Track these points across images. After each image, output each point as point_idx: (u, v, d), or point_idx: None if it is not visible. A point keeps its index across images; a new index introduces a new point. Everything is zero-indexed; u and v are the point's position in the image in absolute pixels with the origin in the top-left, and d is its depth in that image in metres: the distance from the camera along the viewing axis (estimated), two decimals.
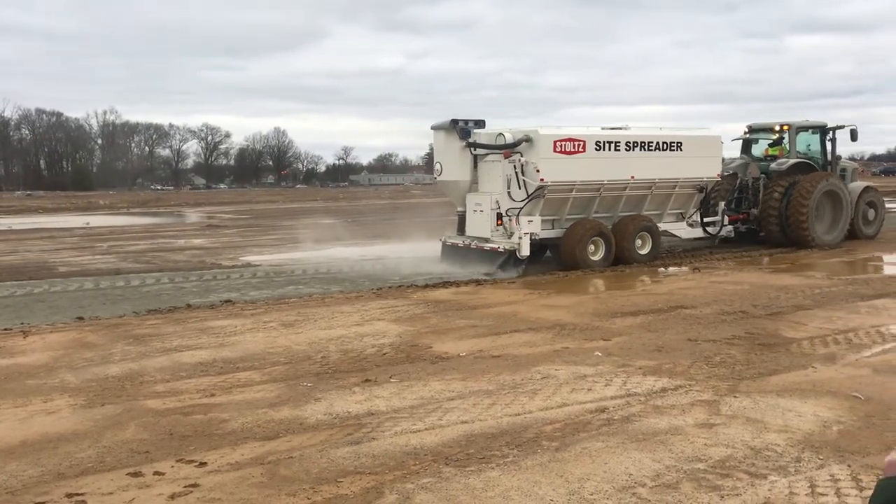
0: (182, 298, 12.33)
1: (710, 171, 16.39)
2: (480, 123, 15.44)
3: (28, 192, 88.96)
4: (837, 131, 18.69)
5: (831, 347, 8.08)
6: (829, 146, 18.77)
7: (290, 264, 16.70)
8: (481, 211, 15.12)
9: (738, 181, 18.12)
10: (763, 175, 17.91)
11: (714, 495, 4.48)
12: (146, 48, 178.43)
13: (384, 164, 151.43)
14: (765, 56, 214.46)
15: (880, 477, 1.52)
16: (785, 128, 18.35)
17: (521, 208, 14.42)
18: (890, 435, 5.45)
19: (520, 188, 14.44)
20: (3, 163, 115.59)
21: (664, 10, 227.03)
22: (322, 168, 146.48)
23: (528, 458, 5.10)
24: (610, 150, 14.99)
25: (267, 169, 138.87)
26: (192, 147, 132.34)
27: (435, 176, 16.27)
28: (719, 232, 17.11)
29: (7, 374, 7.61)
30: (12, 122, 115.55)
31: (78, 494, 4.71)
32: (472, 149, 15.15)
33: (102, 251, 20.62)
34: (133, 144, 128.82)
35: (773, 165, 17.90)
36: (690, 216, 16.63)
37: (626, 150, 15.16)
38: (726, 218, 17.23)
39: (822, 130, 18.79)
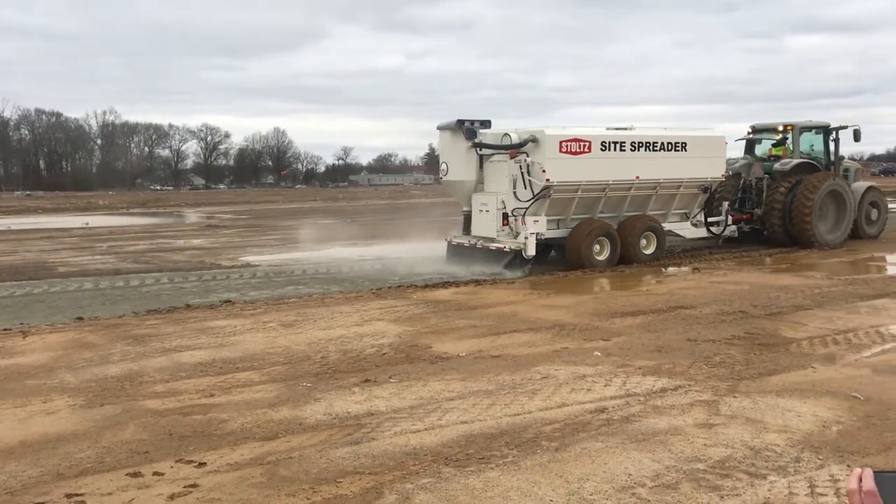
0: (181, 299, 12.33)
1: (715, 171, 16.45)
2: (486, 124, 15.50)
3: (27, 193, 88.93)
4: (840, 131, 18.74)
5: (831, 348, 8.08)
6: (832, 146, 18.82)
7: (290, 264, 16.70)
8: (487, 211, 15.17)
9: (741, 181, 18.16)
10: (766, 175, 17.95)
11: (714, 495, 4.48)
12: (146, 48, 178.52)
13: (384, 165, 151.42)
14: (764, 56, 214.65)
15: None
16: (788, 128, 18.41)
17: (527, 208, 14.47)
18: (889, 435, 5.46)
19: (525, 188, 14.50)
20: (2, 163, 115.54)
21: (664, 10, 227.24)
22: (322, 168, 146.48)
23: (528, 459, 5.10)
24: (615, 150, 15.04)
25: (266, 169, 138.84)
26: (192, 147, 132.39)
27: (441, 176, 16.32)
28: (723, 232, 17.16)
29: (6, 375, 7.61)
30: (12, 122, 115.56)
31: (77, 495, 4.71)
32: (478, 149, 15.21)
33: (102, 251, 20.61)
34: (132, 145, 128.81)
35: (777, 165, 17.94)
36: (695, 216, 16.69)
37: (631, 150, 15.22)
38: (730, 218, 17.29)
39: (825, 131, 18.85)
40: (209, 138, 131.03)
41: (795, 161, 17.88)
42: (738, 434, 5.50)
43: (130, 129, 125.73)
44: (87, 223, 33.54)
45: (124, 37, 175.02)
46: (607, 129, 15.42)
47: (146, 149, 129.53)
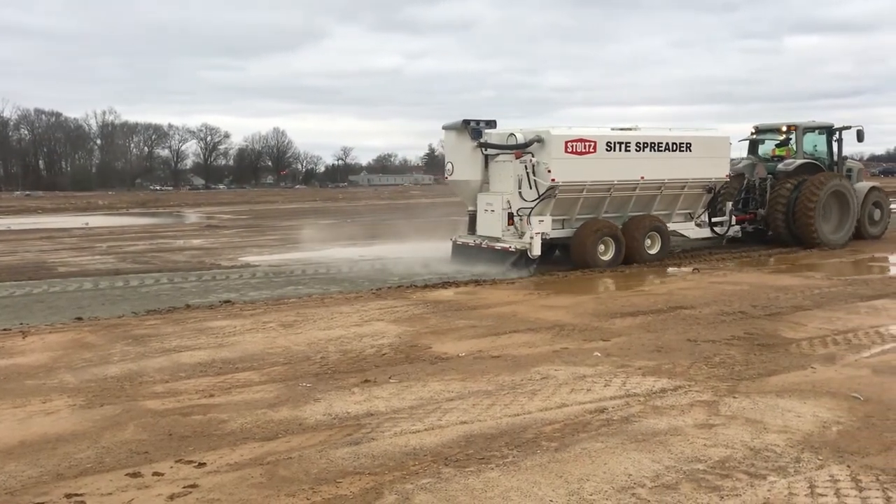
0: (181, 299, 12.33)
1: (719, 171, 16.51)
2: (492, 124, 15.55)
3: (27, 193, 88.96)
4: (844, 132, 18.78)
5: (830, 348, 8.08)
6: (835, 147, 18.89)
7: (290, 264, 16.70)
8: (492, 210, 15.22)
9: (745, 181, 18.22)
10: (770, 175, 18.02)
11: (713, 496, 4.48)
12: (145, 48, 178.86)
13: (383, 165, 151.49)
14: (764, 56, 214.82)
15: None
16: (792, 128, 18.49)
17: (533, 208, 14.52)
18: (889, 435, 5.46)
19: (531, 188, 14.55)
20: (2, 163, 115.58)
21: (662, 10, 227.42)
22: (321, 168, 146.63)
23: (528, 459, 5.10)
24: (620, 150, 15.11)
25: (266, 169, 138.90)
26: (192, 147, 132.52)
27: (446, 176, 16.36)
28: (727, 232, 17.22)
29: (6, 375, 7.60)
30: (11, 122, 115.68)
31: (77, 495, 4.71)
32: (484, 149, 15.26)
33: (101, 251, 20.61)
34: (132, 145, 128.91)
35: (781, 166, 18.01)
36: (699, 216, 16.74)
37: (636, 150, 15.28)
38: (734, 218, 17.35)
39: (828, 131, 18.93)
40: (209, 138, 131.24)
41: (799, 161, 17.94)
42: (738, 434, 5.50)
43: (130, 129, 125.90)
44: (87, 223, 33.54)
45: (124, 37, 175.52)
46: (612, 129, 15.49)
47: (146, 149, 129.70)
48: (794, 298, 11.01)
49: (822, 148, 18.97)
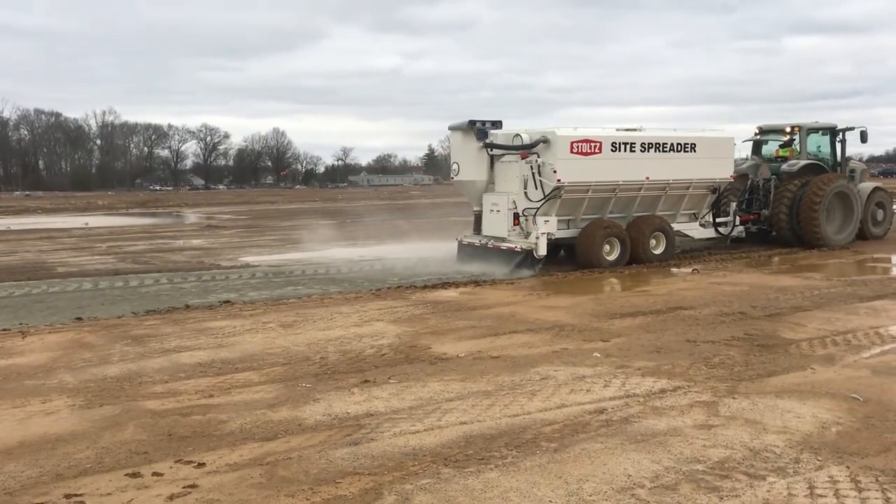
0: (181, 299, 12.33)
1: (723, 172, 16.57)
2: (497, 124, 15.62)
3: (27, 193, 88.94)
4: (847, 133, 18.84)
5: (830, 349, 8.08)
6: (838, 147, 18.97)
7: (289, 265, 16.70)
8: (498, 211, 15.27)
9: (749, 182, 18.28)
10: (774, 176, 18.09)
11: (713, 496, 4.49)
12: (145, 49, 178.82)
13: (383, 165, 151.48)
14: (762, 57, 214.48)
15: None
16: (796, 129, 18.57)
17: (538, 208, 14.58)
18: (889, 436, 5.46)
19: (536, 188, 14.62)
20: (1, 163, 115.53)
21: (661, 11, 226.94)
22: (321, 169, 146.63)
23: (527, 459, 5.10)
24: (626, 151, 15.17)
25: (266, 169, 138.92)
26: (191, 147, 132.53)
27: (452, 176, 16.42)
28: (731, 232, 17.28)
29: (5, 375, 7.60)
30: (11, 123, 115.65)
31: (76, 495, 4.71)
32: (489, 149, 15.32)
33: (101, 252, 20.61)
34: (132, 145, 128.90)
35: (785, 167, 18.08)
36: (703, 216, 16.81)
37: (641, 151, 15.34)
38: (738, 218, 17.41)
39: (832, 132, 19.01)
40: (208, 139, 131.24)
41: (803, 162, 18.03)
42: (738, 435, 5.51)
43: (130, 130, 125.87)
44: (87, 223, 33.54)
45: (124, 37, 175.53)
46: (617, 130, 15.55)
47: (145, 149, 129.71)
48: (794, 299, 11.02)
49: (826, 149, 19.06)
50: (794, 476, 4.77)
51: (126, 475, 5.00)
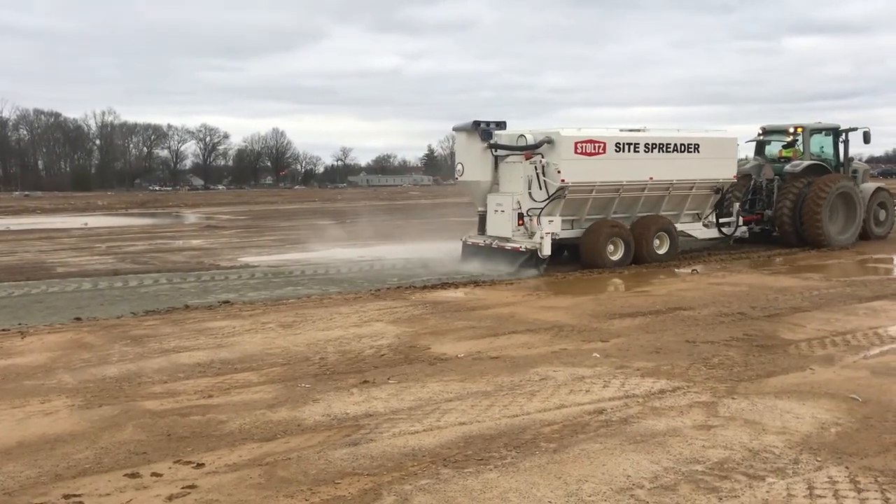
0: (180, 299, 12.32)
1: (727, 172, 16.62)
2: (502, 125, 15.69)
3: (26, 193, 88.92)
4: (850, 133, 18.89)
5: (829, 349, 8.09)
6: (841, 148, 19.03)
7: (289, 265, 16.70)
8: (502, 211, 15.32)
9: (752, 182, 18.33)
10: (777, 176, 18.13)
11: (712, 497, 4.49)
12: (144, 49, 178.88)
13: (382, 166, 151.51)
14: (762, 57, 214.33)
15: None
16: (799, 130, 18.63)
17: (542, 208, 14.64)
18: (888, 436, 5.46)
19: (541, 189, 14.68)
20: (1, 163, 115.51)
21: (660, 11, 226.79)
22: (321, 169, 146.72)
23: (526, 460, 5.10)
24: (629, 151, 15.23)
25: (265, 170, 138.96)
26: (191, 148, 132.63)
27: (456, 176, 16.47)
28: (734, 232, 17.33)
29: (5, 375, 7.60)
30: (10, 123, 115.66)
31: (75, 495, 4.70)
32: (494, 150, 15.37)
33: (101, 252, 20.61)
34: (131, 145, 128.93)
35: (788, 167, 18.12)
36: (706, 217, 16.85)
37: (644, 151, 15.40)
38: (741, 219, 17.46)
39: (835, 133, 19.07)
40: (208, 139, 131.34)
41: (806, 163, 18.07)
42: (737, 436, 5.51)
43: (129, 130, 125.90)
44: (86, 223, 33.54)
45: (123, 37, 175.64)
46: (621, 130, 15.59)
47: (145, 149, 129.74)
48: (793, 300, 11.02)
49: (829, 149, 19.12)
50: (793, 477, 4.77)
51: (125, 475, 5.00)
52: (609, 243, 14.82)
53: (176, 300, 12.23)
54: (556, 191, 14.54)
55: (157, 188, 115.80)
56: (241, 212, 44.70)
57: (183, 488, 4.78)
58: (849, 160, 19.19)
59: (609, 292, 12.75)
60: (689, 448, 5.28)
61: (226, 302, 11.82)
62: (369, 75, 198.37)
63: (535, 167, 14.64)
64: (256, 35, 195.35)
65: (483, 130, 15.28)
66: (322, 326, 9.67)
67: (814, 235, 17.49)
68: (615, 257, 14.86)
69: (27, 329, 9.91)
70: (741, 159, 18.29)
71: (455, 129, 16.14)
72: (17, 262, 18.14)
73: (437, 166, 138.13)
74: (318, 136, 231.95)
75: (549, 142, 14.61)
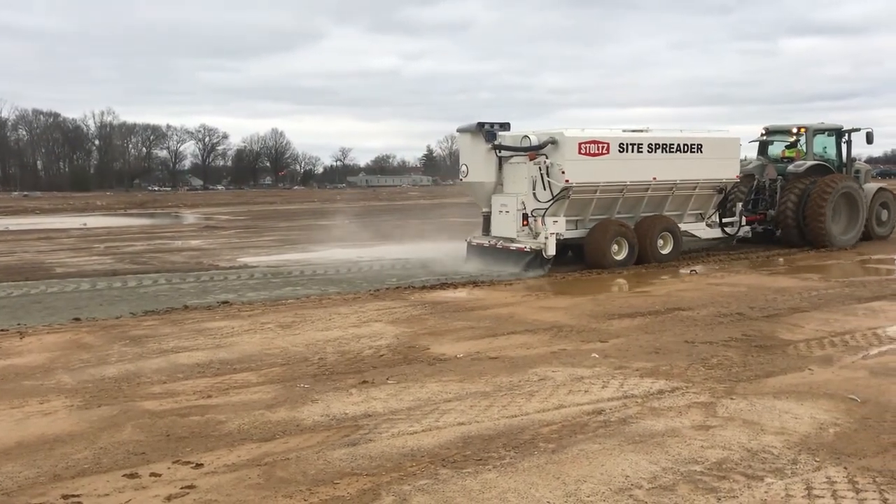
0: (179, 299, 12.32)
1: (730, 172, 16.67)
2: (505, 126, 15.74)
3: (25, 193, 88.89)
4: (852, 133, 18.96)
5: (828, 350, 8.09)
6: (844, 148, 19.08)
7: (288, 265, 16.70)
8: (507, 212, 15.38)
9: (755, 182, 18.38)
10: (780, 177, 18.18)
11: (711, 497, 4.49)
12: (144, 49, 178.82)
13: (382, 166, 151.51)
14: (760, 58, 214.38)
15: None
16: (802, 130, 18.69)
17: (547, 209, 14.68)
18: (886, 437, 5.47)
19: (545, 189, 14.74)
20: (0, 163, 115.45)
21: (659, 12, 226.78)
22: (320, 169, 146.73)
23: (525, 460, 5.10)
24: (633, 151, 15.28)
25: (264, 170, 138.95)
26: (190, 148, 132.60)
27: (461, 177, 16.51)
28: (737, 232, 17.37)
29: (3, 375, 7.60)
30: (9, 123, 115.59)
31: (74, 496, 4.70)
32: (498, 151, 15.43)
33: (99, 252, 20.60)
34: (130, 145, 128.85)
35: (791, 167, 18.18)
36: (710, 217, 16.90)
37: (648, 151, 15.45)
38: (744, 218, 17.51)
39: (837, 133, 19.13)
40: (207, 139, 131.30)
41: (809, 163, 18.12)
42: (736, 436, 5.51)
43: (128, 130, 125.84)
44: (85, 224, 33.53)
45: (122, 38, 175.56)
46: (624, 130, 15.64)
47: (144, 149, 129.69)
48: (792, 300, 11.03)
49: (832, 150, 19.17)
50: (791, 477, 4.77)
51: (124, 476, 5.00)
52: (613, 243, 14.88)
53: (175, 300, 12.22)
54: (561, 191, 14.60)
55: (156, 188, 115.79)
56: (240, 212, 44.69)
57: (182, 488, 4.78)
58: (851, 160, 19.24)
59: (608, 293, 12.76)
60: (687, 448, 5.28)
61: (225, 302, 11.82)
62: (368, 76, 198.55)
63: (540, 168, 14.70)
64: (256, 35, 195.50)
65: (487, 132, 15.35)
66: (321, 327, 9.67)
67: (817, 235, 17.53)
68: (619, 257, 14.91)
69: (26, 329, 9.91)
70: (742, 160, 18.32)
71: (459, 131, 16.20)
72: (16, 263, 18.13)
73: (437, 167, 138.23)
74: (317, 137, 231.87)
75: (553, 142, 14.66)
